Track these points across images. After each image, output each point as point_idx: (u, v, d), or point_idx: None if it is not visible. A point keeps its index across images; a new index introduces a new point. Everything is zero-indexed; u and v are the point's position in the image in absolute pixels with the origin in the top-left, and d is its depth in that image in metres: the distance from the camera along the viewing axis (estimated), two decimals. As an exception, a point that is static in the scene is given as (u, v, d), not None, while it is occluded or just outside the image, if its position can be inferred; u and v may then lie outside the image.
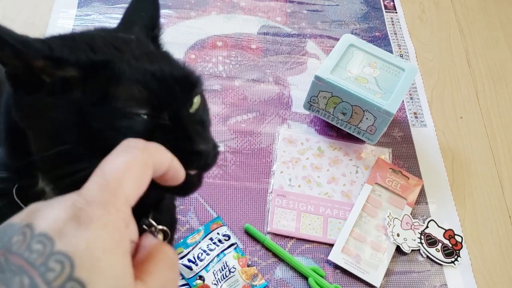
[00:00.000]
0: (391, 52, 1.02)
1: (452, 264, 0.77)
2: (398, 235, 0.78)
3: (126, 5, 0.46)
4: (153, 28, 0.46)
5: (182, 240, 0.74)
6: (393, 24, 1.07)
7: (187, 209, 0.78)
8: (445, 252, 0.78)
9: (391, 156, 0.87)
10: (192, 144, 0.36)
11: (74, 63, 0.35)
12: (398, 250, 0.77)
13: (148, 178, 0.27)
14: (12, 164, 0.40)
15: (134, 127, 0.34)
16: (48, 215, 0.23)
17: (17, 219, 0.24)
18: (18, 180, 0.40)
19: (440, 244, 0.78)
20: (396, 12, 1.09)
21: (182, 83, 0.37)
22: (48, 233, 0.22)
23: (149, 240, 0.29)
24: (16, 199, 0.39)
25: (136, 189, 0.26)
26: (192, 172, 0.37)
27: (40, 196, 0.39)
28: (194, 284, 0.70)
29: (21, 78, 0.35)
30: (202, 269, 0.71)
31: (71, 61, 0.35)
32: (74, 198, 0.24)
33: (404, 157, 0.88)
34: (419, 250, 0.78)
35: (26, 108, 0.36)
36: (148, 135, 0.33)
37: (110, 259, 0.23)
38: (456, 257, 0.78)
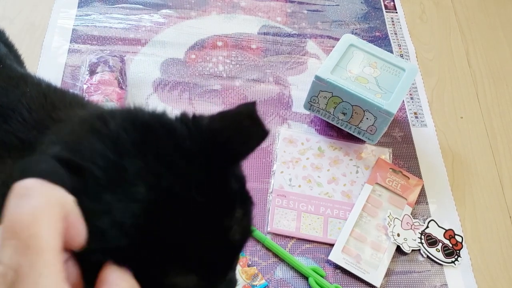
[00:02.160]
0: (391, 52, 1.02)
1: (452, 264, 0.77)
2: (398, 235, 0.78)
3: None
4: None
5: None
6: (393, 24, 1.07)
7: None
8: (445, 252, 0.78)
9: (391, 156, 0.87)
10: None
11: None
12: (398, 250, 0.77)
13: (59, 214, 0.24)
14: None
15: None
16: None
17: None
18: None
19: (440, 244, 0.78)
20: (396, 12, 1.09)
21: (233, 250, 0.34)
22: None
23: (104, 272, 0.27)
24: None
25: (54, 231, 0.23)
26: None
27: None
28: (195, 284, 0.70)
29: None
30: (203, 269, 0.71)
31: None
32: (1, 270, 0.22)
33: (404, 157, 0.88)
34: (419, 250, 0.78)
35: None
36: None
37: None
38: (456, 257, 0.78)
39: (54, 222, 0.23)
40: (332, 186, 0.83)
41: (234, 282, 0.36)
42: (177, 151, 0.30)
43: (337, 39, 0.90)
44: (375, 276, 0.74)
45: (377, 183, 0.83)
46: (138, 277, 0.27)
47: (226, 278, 0.34)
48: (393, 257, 0.77)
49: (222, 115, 0.33)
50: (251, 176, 0.83)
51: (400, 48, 1.03)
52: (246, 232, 0.34)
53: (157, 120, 0.32)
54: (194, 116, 0.33)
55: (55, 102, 0.44)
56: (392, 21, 1.08)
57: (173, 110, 0.88)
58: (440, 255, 0.77)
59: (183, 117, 0.33)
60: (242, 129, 0.32)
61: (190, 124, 0.32)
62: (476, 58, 1.04)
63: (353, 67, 0.84)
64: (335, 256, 0.75)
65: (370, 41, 0.96)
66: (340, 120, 0.85)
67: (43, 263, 0.22)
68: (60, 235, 0.24)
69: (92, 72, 0.84)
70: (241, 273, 0.72)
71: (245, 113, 0.32)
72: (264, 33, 1.02)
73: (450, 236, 0.79)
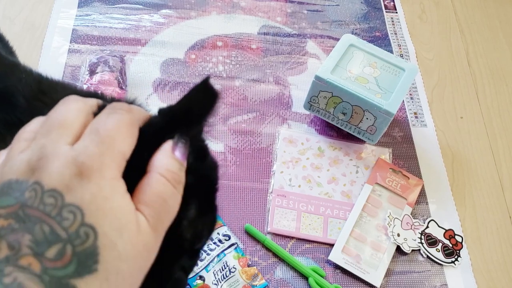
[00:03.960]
0: (391, 52, 1.02)
1: (452, 264, 0.77)
2: (398, 235, 0.78)
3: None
4: None
5: (182, 240, 0.74)
6: (393, 24, 1.07)
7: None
8: (445, 252, 0.78)
9: (391, 156, 0.87)
10: None
11: None
12: (398, 250, 0.77)
13: (136, 134, 0.31)
14: None
15: None
16: (53, 172, 0.27)
17: (21, 175, 0.27)
18: None
19: (440, 244, 0.78)
20: (396, 12, 1.09)
21: None
22: (57, 189, 0.26)
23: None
24: None
25: (127, 143, 0.30)
26: None
27: None
28: (194, 284, 0.70)
29: None
30: (202, 269, 0.71)
31: None
32: (74, 154, 0.28)
33: (404, 157, 0.88)
34: (419, 250, 0.78)
35: None
36: None
37: (111, 203, 0.27)
38: (456, 257, 0.78)
39: (130, 136, 0.30)
40: (332, 186, 0.83)
41: (182, 282, 0.36)
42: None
43: (337, 39, 0.90)
44: (375, 276, 0.74)
45: (377, 183, 0.83)
46: None
47: (171, 276, 0.34)
48: (393, 257, 0.77)
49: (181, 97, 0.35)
50: (251, 176, 0.83)
51: (400, 48, 1.03)
52: (197, 236, 0.34)
53: None
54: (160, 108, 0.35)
55: (48, 88, 0.45)
56: (392, 21, 1.08)
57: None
58: (440, 255, 0.77)
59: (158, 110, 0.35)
60: (195, 96, 0.33)
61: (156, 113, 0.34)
62: (476, 58, 1.04)
63: (353, 67, 0.84)
64: (335, 256, 0.75)
65: (370, 41, 0.96)
66: (340, 120, 0.85)
67: (109, 156, 0.29)
68: (131, 149, 0.30)
69: (92, 72, 0.84)
70: (241, 273, 0.72)
71: (197, 85, 0.33)
72: (264, 33, 1.02)
73: (450, 236, 0.79)
